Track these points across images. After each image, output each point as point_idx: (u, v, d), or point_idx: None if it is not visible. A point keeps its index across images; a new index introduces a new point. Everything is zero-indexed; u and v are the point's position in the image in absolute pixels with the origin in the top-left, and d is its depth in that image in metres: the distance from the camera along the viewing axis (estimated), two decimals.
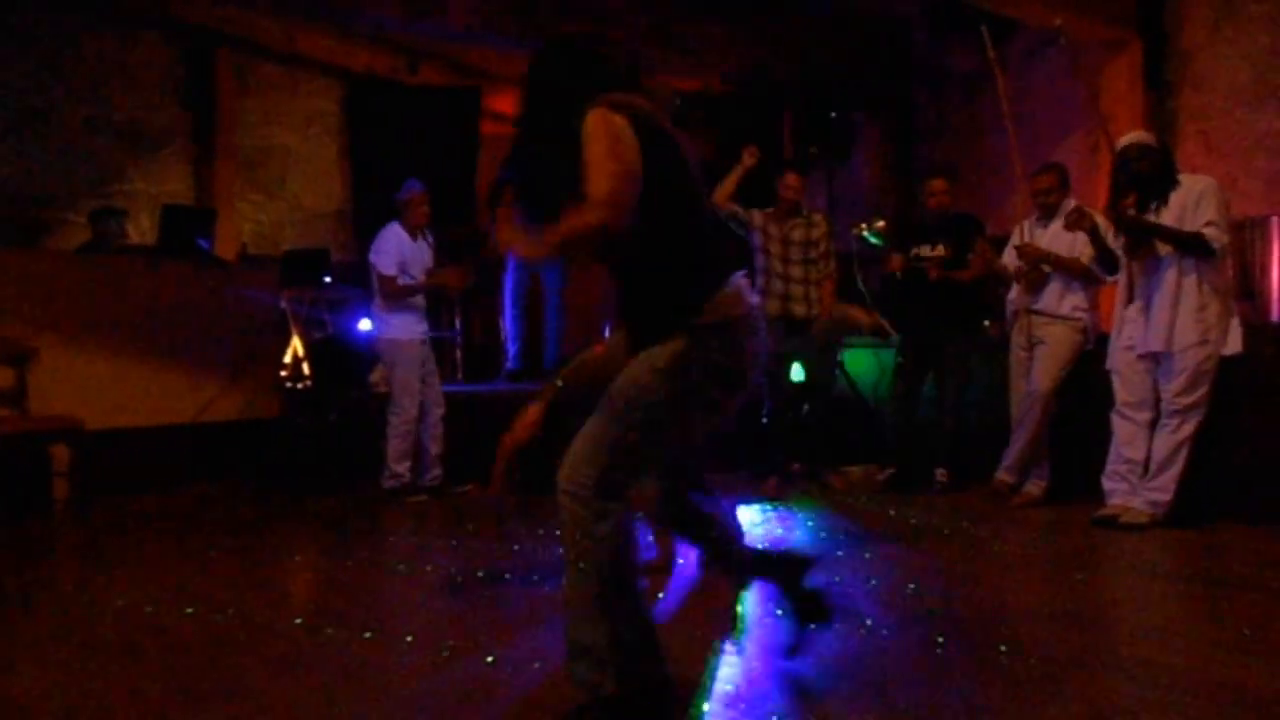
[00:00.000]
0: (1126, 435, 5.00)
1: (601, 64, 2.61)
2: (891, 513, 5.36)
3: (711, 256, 2.54)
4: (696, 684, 2.78)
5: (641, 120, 2.45)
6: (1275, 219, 5.72)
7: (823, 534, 4.83)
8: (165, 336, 6.31)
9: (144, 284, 6.31)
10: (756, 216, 6.21)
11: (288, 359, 7.36)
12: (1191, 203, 4.79)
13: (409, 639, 3.20)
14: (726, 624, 3.40)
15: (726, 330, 2.47)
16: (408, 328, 5.97)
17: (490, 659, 2.98)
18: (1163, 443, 4.87)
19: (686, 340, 2.43)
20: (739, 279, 2.55)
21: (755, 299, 2.57)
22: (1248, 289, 5.72)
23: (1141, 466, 4.94)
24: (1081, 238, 5.21)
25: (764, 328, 2.58)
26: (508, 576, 4.11)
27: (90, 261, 6.43)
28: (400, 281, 5.92)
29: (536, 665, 2.90)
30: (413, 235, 6.03)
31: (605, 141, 2.39)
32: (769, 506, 5.55)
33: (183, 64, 8.45)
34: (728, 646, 3.11)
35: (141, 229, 7.87)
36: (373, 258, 6.01)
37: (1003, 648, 3.05)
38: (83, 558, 4.77)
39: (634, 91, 2.57)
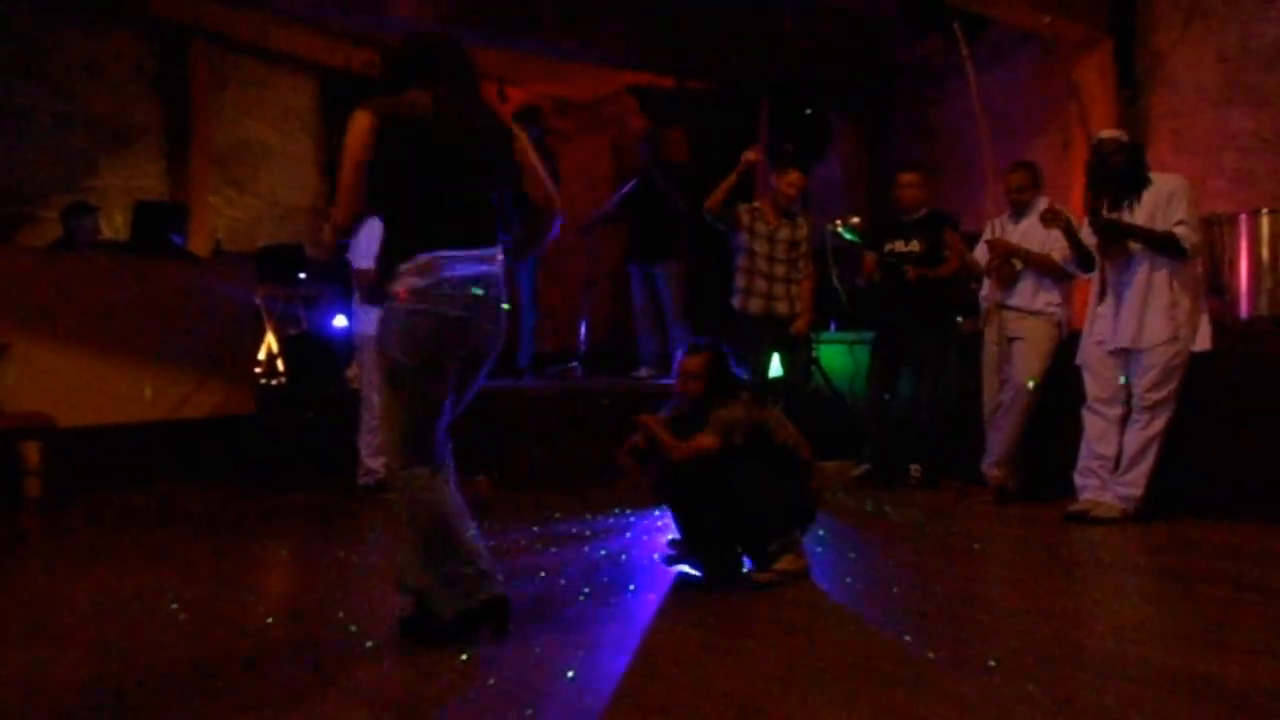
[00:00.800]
0: (1097, 431, 5.05)
1: (410, 61, 3.03)
2: (866, 508, 5.39)
3: (410, 234, 2.88)
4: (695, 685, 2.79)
5: (388, 117, 2.85)
6: (1244, 216, 5.77)
7: None
8: (138, 333, 6.25)
9: (117, 280, 6.25)
10: (743, 215, 6.16)
11: (262, 355, 7.33)
12: (1163, 201, 4.84)
13: (384, 637, 3.19)
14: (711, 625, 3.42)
15: (414, 297, 2.83)
16: None
17: (464, 657, 2.98)
18: (1133, 438, 4.92)
19: (385, 309, 2.86)
20: (438, 255, 2.86)
21: (450, 273, 2.88)
22: (1217, 285, 5.78)
23: (1113, 462, 5.00)
24: (1054, 233, 5.25)
25: (458, 296, 2.88)
26: None
27: (62, 258, 6.37)
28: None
29: (511, 664, 2.91)
30: None
31: (347, 145, 2.84)
32: None
33: (156, 58, 8.38)
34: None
35: (114, 225, 7.80)
36: (348, 253, 5.97)
37: (981, 645, 3.08)
38: (55, 556, 4.73)
39: (431, 87, 2.96)
